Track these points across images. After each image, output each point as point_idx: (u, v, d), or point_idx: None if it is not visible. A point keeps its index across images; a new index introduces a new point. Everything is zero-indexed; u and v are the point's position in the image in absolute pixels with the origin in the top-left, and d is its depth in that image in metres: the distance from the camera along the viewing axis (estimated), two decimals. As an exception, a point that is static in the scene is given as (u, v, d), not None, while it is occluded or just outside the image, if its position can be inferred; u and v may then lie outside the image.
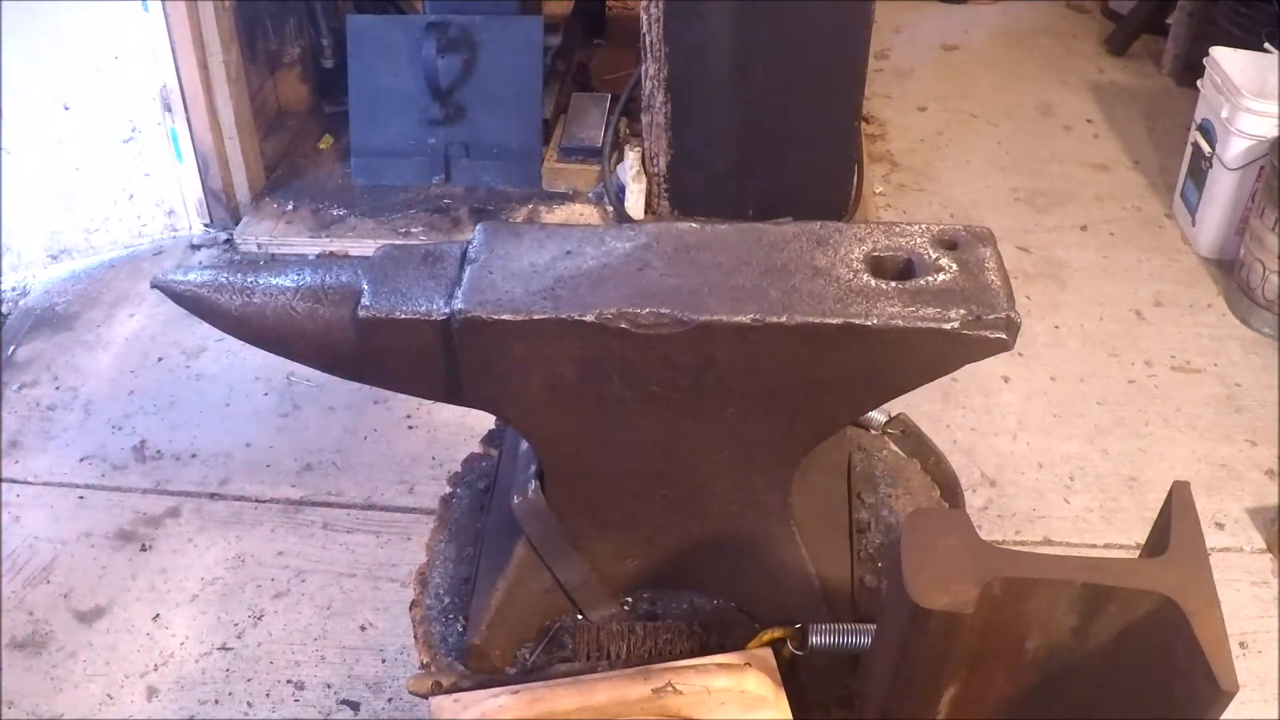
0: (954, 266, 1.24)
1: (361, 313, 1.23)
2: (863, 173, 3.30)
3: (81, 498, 2.62)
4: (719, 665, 1.33)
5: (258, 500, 2.61)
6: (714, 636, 1.46)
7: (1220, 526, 2.53)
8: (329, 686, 2.21)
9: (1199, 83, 3.38)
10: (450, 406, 1.43)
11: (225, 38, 3.26)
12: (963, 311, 1.17)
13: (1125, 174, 3.80)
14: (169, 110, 3.30)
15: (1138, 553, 1.33)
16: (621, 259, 1.27)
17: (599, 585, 1.49)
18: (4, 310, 3.22)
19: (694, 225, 1.33)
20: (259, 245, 3.42)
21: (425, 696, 1.40)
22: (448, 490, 1.71)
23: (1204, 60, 3.34)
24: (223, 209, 3.49)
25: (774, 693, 1.32)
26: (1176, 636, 1.06)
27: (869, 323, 1.17)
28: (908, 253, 1.26)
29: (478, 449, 1.77)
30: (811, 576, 1.45)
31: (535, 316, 1.21)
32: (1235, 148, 3.16)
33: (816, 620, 1.39)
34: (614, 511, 1.43)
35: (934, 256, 1.25)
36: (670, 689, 1.30)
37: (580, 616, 1.50)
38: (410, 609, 1.55)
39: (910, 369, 1.28)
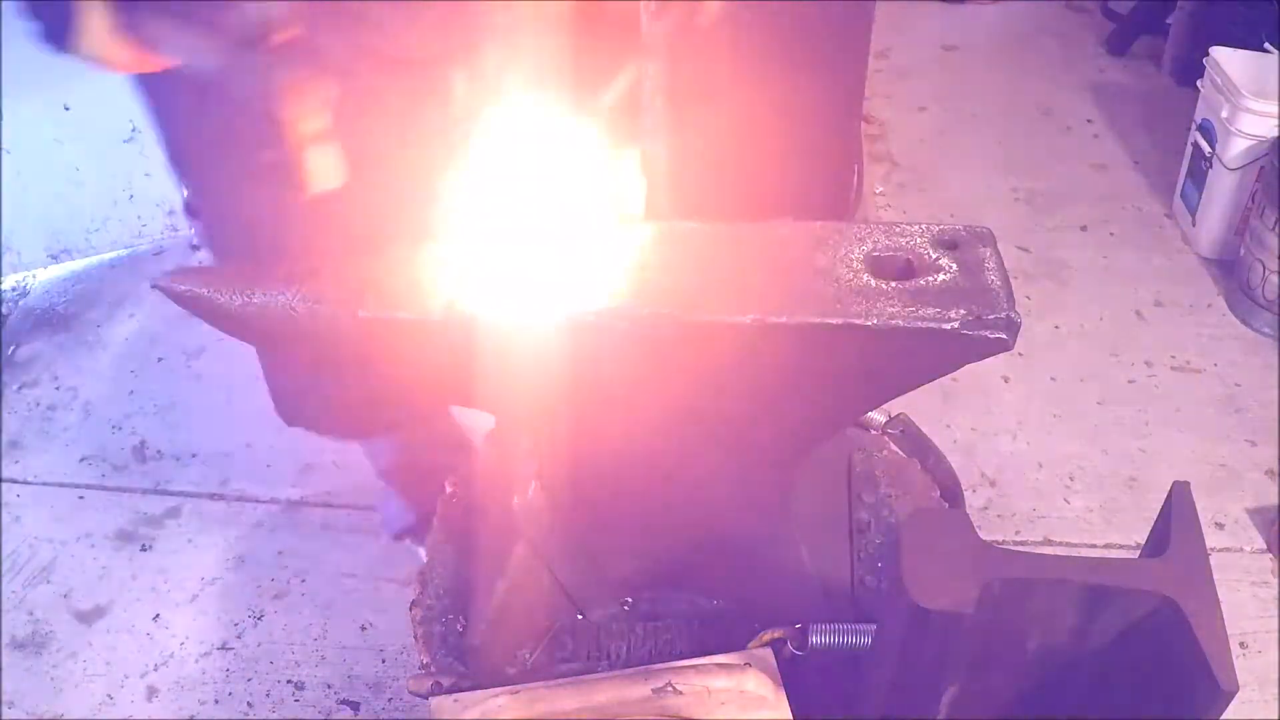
0: (954, 266, 1.23)
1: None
2: (863, 173, 3.29)
3: (81, 498, 2.62)
4: (719, 665, 1.33)
5: (258, 500, 2.61)
6: (714, 636, 1.46)
7: (1220, 526, 2.53)
8: (329, 686, 2.21)
9: (1199, 83, 3.37)
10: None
11: (225, 38, 3.25)
12: (963, 311, 1.17)
13: (1125, 174, 3.80)
14: (169, 110, 3.29)
15: (1138, 553, 1.33)
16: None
17: (599, 585, 1.49)
18: (4, 310, 3.22)
19: (694, 225, 1.33)
20: (259, 245, 3.42)
21: (425, 696, 1.40)
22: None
23: (1204, 60, 3.34)
24: (223, 209, 3.49)
25: (774, 693, 1.32)
26: (1176, 636, 1.06)
27: (869, 323, 1.17)
28: (908, 253, 1.26)
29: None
30: (811, 576, 1.45)
31: (535, 316, 1.21)
32: (1235, 148, 3.16)
33: (816, 620, 1.39)
34: (614, 511, 1.43)
35: (934, 256, 1.25)
36: (670, 689, 1.30)
37: (580, 616, 1.50)
38: (410, 609, 1.55)
39: (910, 369, 1.28)
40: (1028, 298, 3.18)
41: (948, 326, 1.17)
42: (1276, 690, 2.18)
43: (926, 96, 4.25)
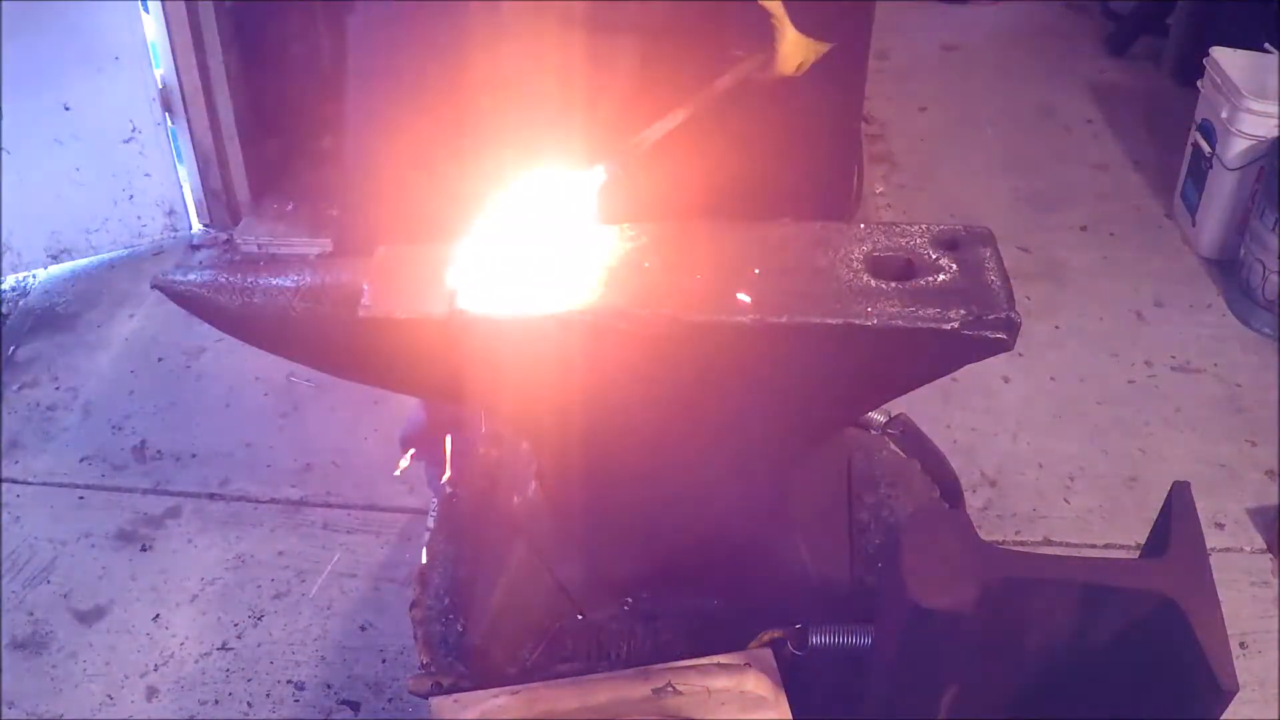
0: (954, 266, 1.24)
1: (361, 313, 1.23)
2: (863, 173, 3.30)
3: (81, 498, 2.62)
4: (719, 665, 1.33)
5: (258, 500, 2.61)
6: (714, 636, 1.46)
7: (1220, 526, 2.53)
8: (329, 687, 2.21)
9: (1199, 83, 3.37)
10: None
11: (225, 38, 3.26)
12: (963, 311, 1.17)
13: (1125, 174, 3.79)
14: (169, 110, 3.30)
15: (1138, 553, 1.34)
16: (621, 259, 1.27)
17: (599, 585, 1.49)
18: (4, 310, 3.22)
19: (694, 225, 1.33)
20: (259, 245, 3.42)
21: (425, 696, 1.41)
22: (448, 490, 1.71)
23: (1204, 60, 3.34)
24: (223, 209, 3.49)
25: (774, 693, 1.32)
26: (1176, 636, 1.06)
27: (869, 323, 1.17)
28: (908, 253, 1.26)
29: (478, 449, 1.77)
30: (811, 576, 1.45)
31: (535, 317, 1.21)
32: (1235, 148, 3.16)
33: (816, 620, 1.39)
34: (614, 511, 1.43)
35: (934, 256, 1.25)
36: (670, 689, 1.30)
37: (580, 616, 1.50)
38: (410, 609, 1.55)
39: (910, 369, 1.28)
40: (1028, 298, 3.17)
41: (948, 326, 1.17)
42: (1277, 690, 2.18)
43: (926, 96, 4.25)
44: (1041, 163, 3.84)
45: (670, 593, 1.52)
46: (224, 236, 3.49)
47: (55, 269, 3.36)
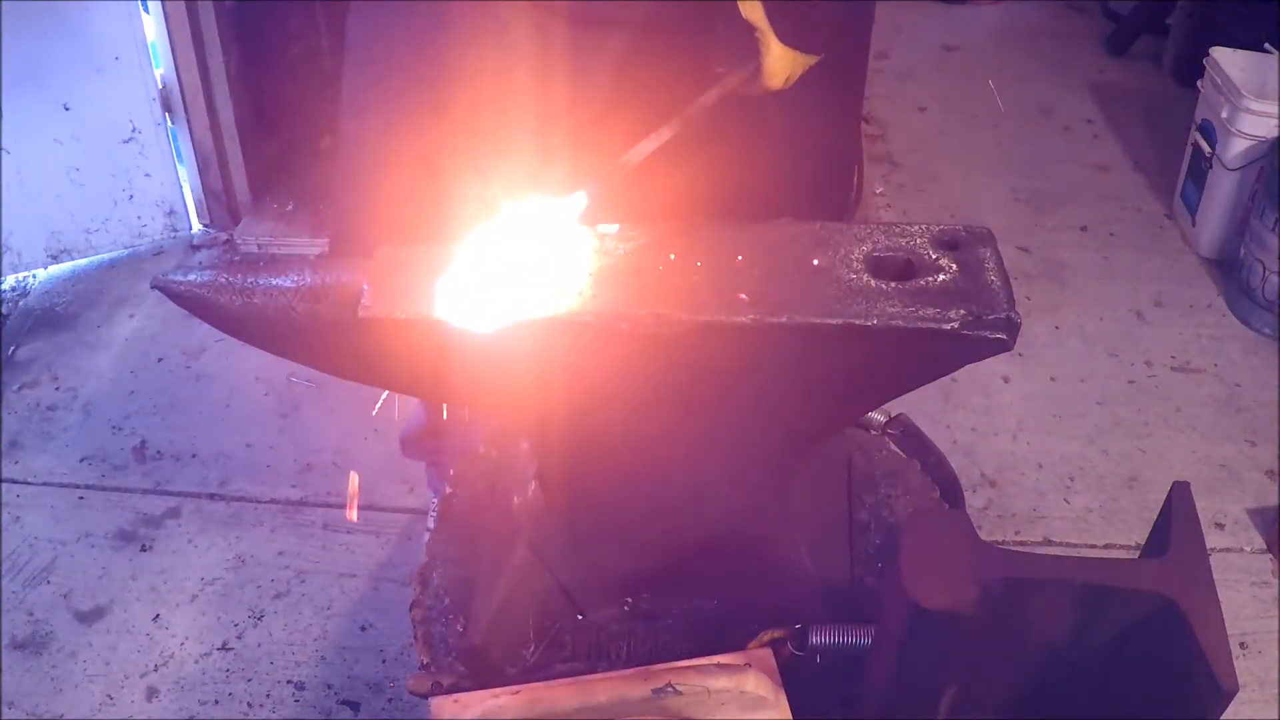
0: (954, 266, 1.24)
1: (361, 313, 1.23)
2: (863, 173, 3.30)
3: (81, 498, 2.62)
4: (719, 665, 1.33)
5: (258, 500, 2.61)
6: (714, 636, 1.46)
7: (1220, 526, 2.53)
8: (329, 687, 2.21)
9: (1199, 83, 3.37)
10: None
11: (225, 38, 3.26)
12: (963, 312, 1.17)
13: (1125, 174, 3.80)
14: (169, 110, 3.30)
15: (1138, 553, 1.34)
16: (621, 259, 1.27)
17: (599, 585, 1.49)
18: (4, 310, 3.22)
19: (693, 225, 1.33)
20: (259, 245, 3.42)
21: (425, 696, 1.41)
22: (448, 490, 1.71)
23: (1204, 60, 3.34)
24: (223, 209, 3.49)
25: (774, 693, 1.32)
26: (1176, 636, 1.06)
27: (869, 323, 1.17)
28: (907, 253, 1.26)
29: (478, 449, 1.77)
30: (811, 576, 1.45)
31: (535, 317, 1.21)
32: (1235, 148, 3.16)
33: (816, 620, 1.39)
34: (614, 512, 1.43)
35: (934, 257, 1.25)
36: (670, 689, 1.30)
37: (580, 616, 1.50)
38: (410, 609, 1.55)
39: (910, 369, 1.28)
40: (1028, 298, 3.18)
41: (948, 327, 1.17)
42: (1277, 690, 2.18)
43: (926, 96, 4.25)
44: (1041, 163, 3.84)
45: (670, 593, 1.52)
46: (224, 237, 3.49)
47: (55, 269, 3.36)
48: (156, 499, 2.62)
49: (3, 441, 2.77)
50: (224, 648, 2.29)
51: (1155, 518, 1.23)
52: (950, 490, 1.68)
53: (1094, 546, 2.50)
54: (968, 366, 1.25)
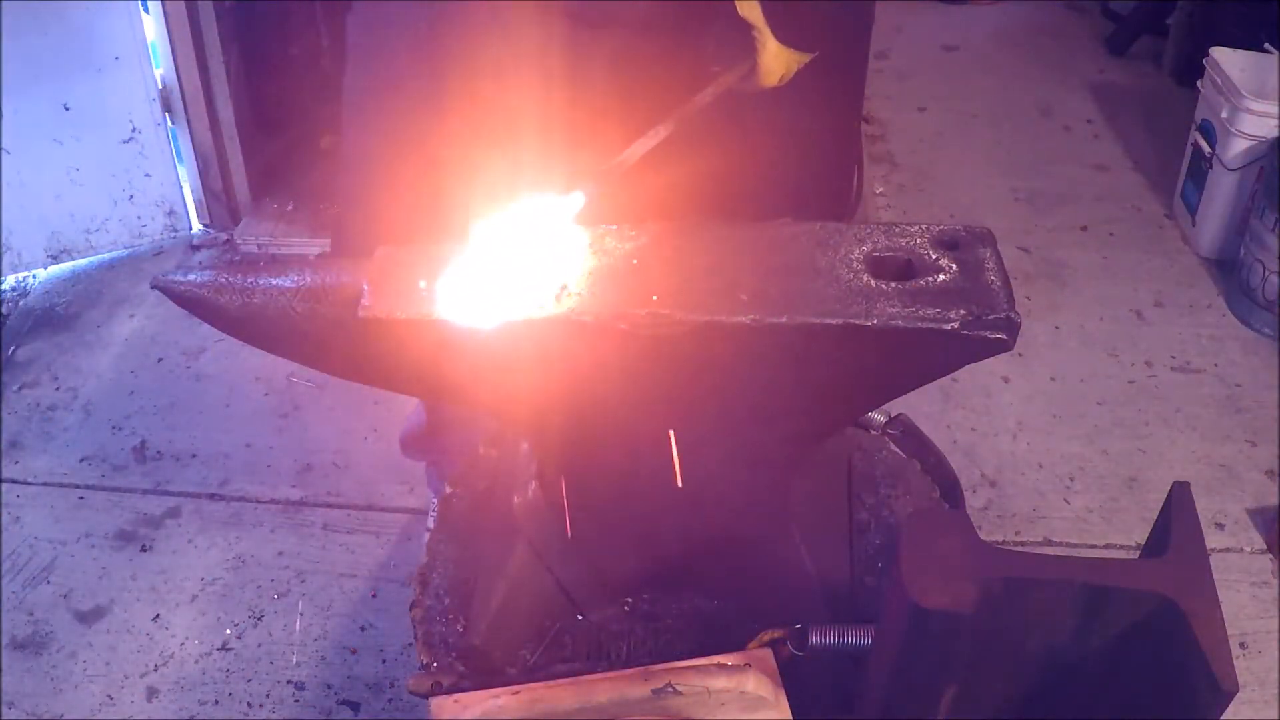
0: (954, 267, 1.24)
1: (361, 313, 1.23)
2: (863, 173, 3.30)
3: (81, 498, 2.62)
4: (719, 665, 1.33)
5: (258, 501, 2.61)
6: (714, 636, 1.46)
7: (1220, 527, 2.53)
8: (329, 687, 2.21)
9: (1199, 83, 3.38)
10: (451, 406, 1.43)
11: (225, 38, 3.26)
12: (963, 312, 1.17)
13: (1125, 174, 3.80)
14: (169, 110, 3.30)
15: (1138, 553, 1.33)
16: (621, 259, 1.27)
17: (599, 585, 1.49)
18: (4, 310, 3.22)
19: (693, 225, 1.33)
20: (259, 245, 3.42)
21: (425, 696, 1.41)
22: (448, 490, 1.71)
23: (1204, 60, 3.34)
24: (223, 209, 3.49)
25: (774, 693, 1.32)
26: (1176, 636, 1.06)
27: (869, 323, 1.17)
28: (907, 253, 1.26)
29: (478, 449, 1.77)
30: (811, 576, 1.45)
31: (535, 317, 1.21)
32: (1235, 148, 3.16)
33: (816, 620, 1.39)
34: (614, 511, 1.43)
35: (934, 257, 1.25)
36: (670, 689, 1.30)
37: (580, 616, 1.50)
38: (410, 609, 1.55)
39: (910, 369, 1.28)
40: (1028, 298, 3.18)
41: (948, 327, 1.17)
42: (1277, 690, 2.18)
43: (926, 96, 4.25)
44: (1041, 163, 3.85)
45: (670, 593, 1.52)
46: (224, 237, 3.49)
47: (55, 269, 3.36)
48: (156, 499, 2.62)
49: (3, 441, 2.77)
50: (224, 648, 2.29)
51: (1155, 518, 1.23)
52: (950, 490, 1.68)
53: (1094, 546, 2.50)
54: (968, 366, 1.25)
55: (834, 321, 1.18)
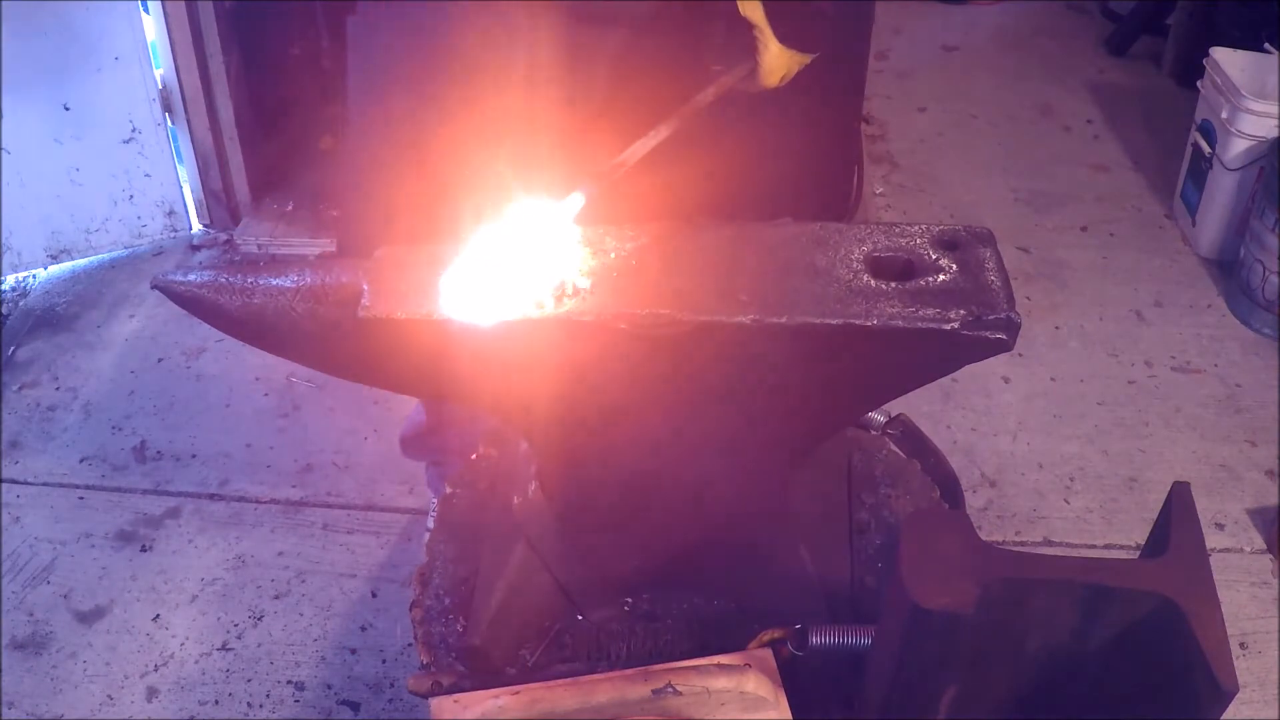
0: (954, 267, 1.24)
1: (361, 313, 1.23)
2: (863, 173, 3.29)
3: (81, 498, 2.62)
4: (719, 666, 1.33)
5: (258, 501, 2.61)
6: (714, 636, 1.46)
7: (1220, 527, 2.53)
8: (329, 687, 2.21)
9: (1199, 83, 3.38)
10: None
11: (225, 38, 3.26)
12: (963, 312, 1.17)
13: (1125, 174, 3.80)
14: (169, 110, 3.30)
15: (1138, 553, 1.33)
16: (621, 259, 1.27)
17: (599, 585, 1.49)
18: (4, 310, 3.22)
19: (693, 225, 1.33)
20: (259, 245, 3.42)
21: (425, 696, 1.40)
22: (448, 490, 1.71)
23: (1204, 60, 3.34)
24: (223, 209, 3.49)
25: (774, 693, 1.32)
26: (1176, 636, 1.06)
27: (869, 323, 1.17)
28: (907, 253, 1.26)
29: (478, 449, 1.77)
30: (811, 576, 1.45)
31: (535, 317, 1.21)
32: (1235, 148, 3.16)
33: (816, 620, 1.39)
34: (614, 511, 1.43)
35: (934, 257, 1.25)
36: (670, 690, 1.30)
37: (580, 617, 1.50)
38: (411, 609, 1.55)
39: (910, 369, 1.28)
40: (1028, 298, 3.18)
41: (948, 327, 1.17)
42: (1277, 690, 2.18)
43: (926, 96, 4.25)
44: (1041, 163, 3.85)
45: (670, 593, 1.52)
46: (224, 237, 3.49)
47: (55, 269, 3.36)
48: (156, 499, 2.62)
49: (3, 441, 2.77)
50: (224, 648, 2.29)
51: (1155, 518, 1.23)
52: (950, 490, 1.68)
53: (1094, 546, 2.50)
54: (968, 366, 1.25)
55: (834, 321, 1.18)
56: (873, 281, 1.22)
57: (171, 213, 3.45)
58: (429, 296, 1.23)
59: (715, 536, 1.43)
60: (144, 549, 2.50)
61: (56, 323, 3.17)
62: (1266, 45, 3.34)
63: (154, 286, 1.31)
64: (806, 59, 1.50)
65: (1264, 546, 2.48)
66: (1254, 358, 3.01)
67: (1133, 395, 2.89)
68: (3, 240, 3.23)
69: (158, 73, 3.24)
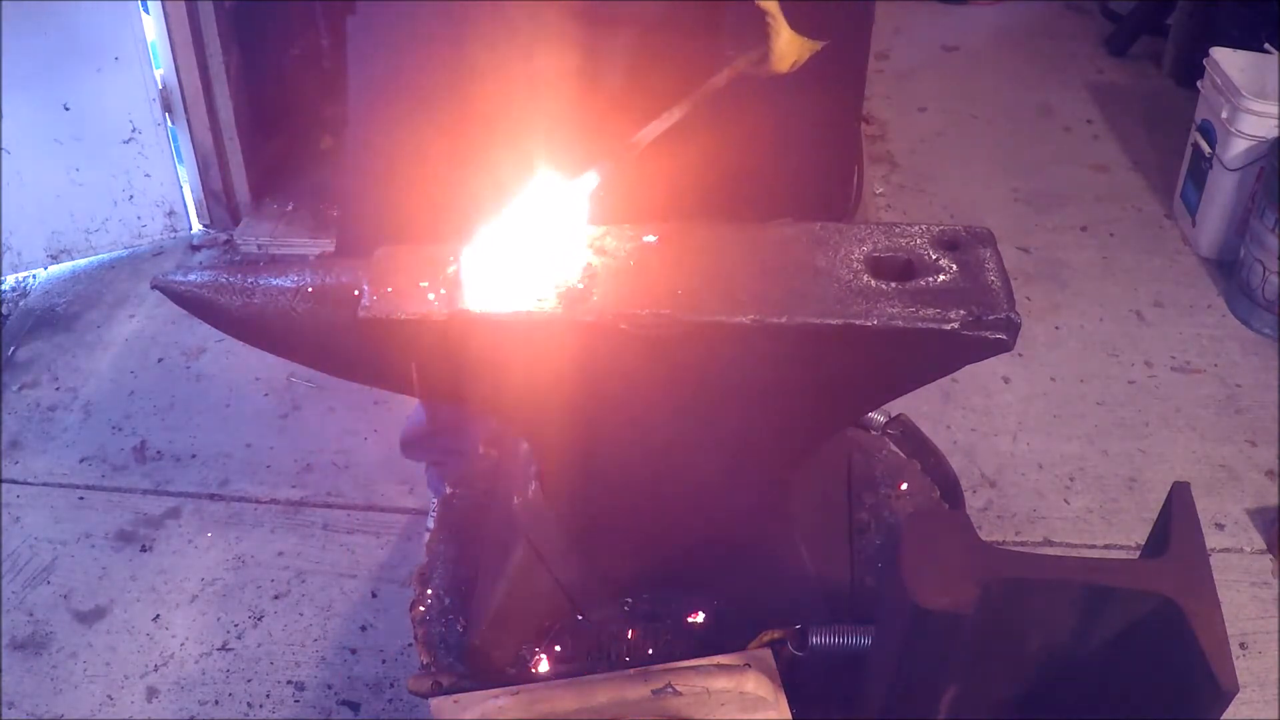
0: (954, 267, 1.24)
1: (361, 313, 1.23)
2: (863, 173, 3.30)
3: (81, 498, 2.62)
4: (719, 666, 1.33)
5: (258, 501, 2.61)
6: (714, 636, 1.46)
7: (1220, 527, 2.53)
8: (329, 687, 2.21)
9: (1199, 83, 3.38)
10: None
11: (225, 38, 3.26)
12: (963, 312, 1.17)
13: (1125, 174, 3.80)
14: (169, 110, 3.30)
15: (1138, 553, 1.33)
16: (622, 260, 1.27)
17: (599, 585, 1.49)
18: (4, 310, 3.22)
19: (694, 225, 1.33)
20: (259, 246, 3.43)
21: (425, 696, 1.41)
22: (448, 491, 1.71)
23: (1204, 61, 3.34)
24: (223, 209, 3.49)
25: (774, 694, 1.32)
26: (1176, 636, 1.06)
27: (869, 323, 1.17)
28: (907, 253, 1.26)
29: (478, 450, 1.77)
30: (811, 577, 1.45)
31: (536, 318, 1.21)
32: (1235, 148, 3.16)
33: (816, 620, 1.39)
34: (614, 512, 1.43)
35: (934, 257, 1.25)
36: (670, 690, 1.30)
37: (580, 616, 1.50)
38: (410, 609, 1.55)
39: (910, 369, 1.28)
40: (1028, 298, 3.18)
41: (948, 327, 1.17)
42: (1277, 690, 2.18)
43: (926, 96, 4.25)
44: (1041, 163, 3.85)
45: (670, 593, 1.52)
46: (224, 237, 3.49)
47: (55, 269, 3.36)
48: (156, 499, 2.62)
49: (3, 441, 2.77)
50: (224, 648, 2.29)
51: (1155, 518, 1.23)
52: (950, 490, 1.68)
53: (1094, 546, 2.50)
54: (968, 366, 1.25)
55: (834, 322, 1.18)
56: (873, 282, 1.22)
57: (171, 213, 3.45)
58: (429, 296, 1.24)
59: (716, 536, 1.43)
60: (144, 549, 2.50)
61: (56, 323, 3.18)
62: (1266, 45, 3.34)
63: (154, 286, 1.31)
64: (817, 46, 1.52)
65: (1264, 546, 2.48)
66: (1254, 358, 3.01)
67: (1133, 395, 2.89)
68: (3, 240, 3.23)
69: (158, 73, 3.24)
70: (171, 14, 3.15)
